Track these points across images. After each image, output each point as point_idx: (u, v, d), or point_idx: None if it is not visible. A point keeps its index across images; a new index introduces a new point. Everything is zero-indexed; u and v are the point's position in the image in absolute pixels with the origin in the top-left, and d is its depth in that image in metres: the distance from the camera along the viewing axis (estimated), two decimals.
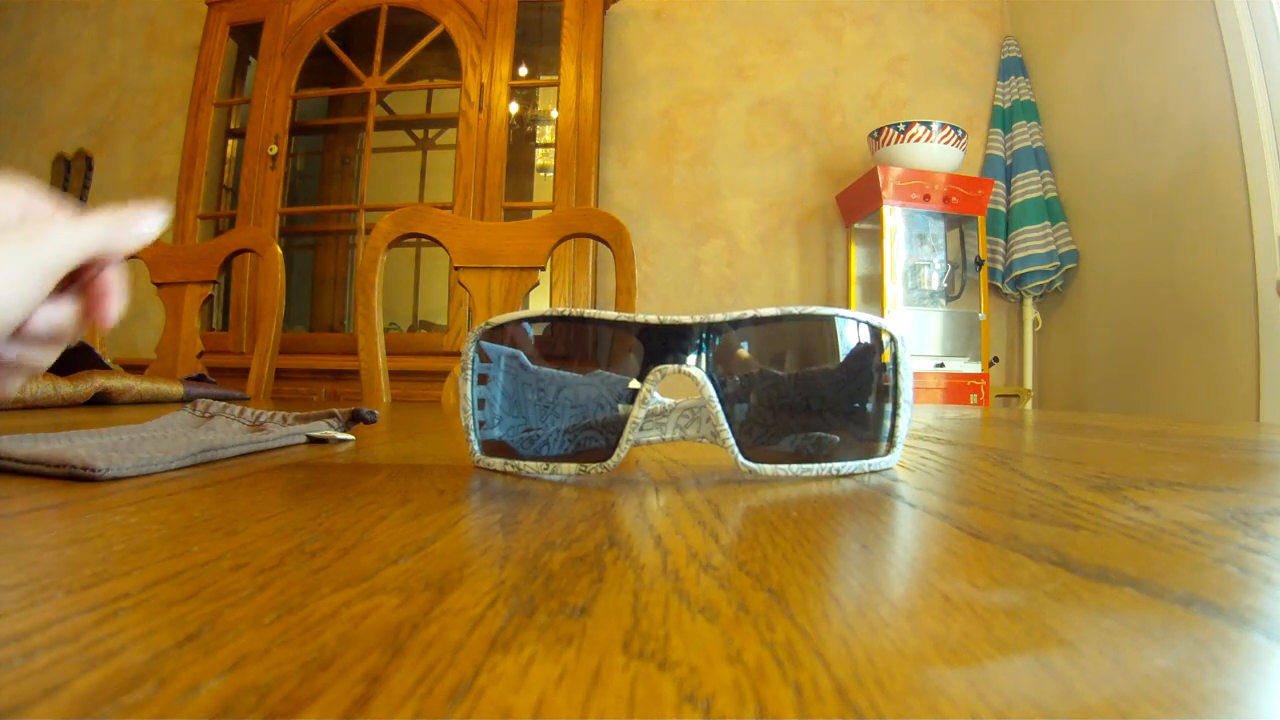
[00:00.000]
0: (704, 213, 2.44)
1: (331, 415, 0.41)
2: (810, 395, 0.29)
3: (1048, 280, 2.18)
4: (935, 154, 2.06)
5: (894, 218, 2.05)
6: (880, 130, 2.12)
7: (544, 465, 0.28)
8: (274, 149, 2.23)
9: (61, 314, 0.26)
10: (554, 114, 2.23)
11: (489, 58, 2.18)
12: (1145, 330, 1.92)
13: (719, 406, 0.27)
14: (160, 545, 0.16)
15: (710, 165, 2.45)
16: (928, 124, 2.05)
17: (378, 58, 2.23)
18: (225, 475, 0.27)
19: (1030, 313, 2.29)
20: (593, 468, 0.28)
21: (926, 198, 2.05)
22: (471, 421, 0.29)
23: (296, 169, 2.54)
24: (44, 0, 2.74)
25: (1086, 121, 2.15)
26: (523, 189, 2.48)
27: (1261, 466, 0.33)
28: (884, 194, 2.03)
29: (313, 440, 0.38)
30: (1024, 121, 2.26)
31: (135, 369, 0.88)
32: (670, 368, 0.27)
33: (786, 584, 0.14)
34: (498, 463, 0.29)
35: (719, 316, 0.27)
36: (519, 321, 0.29)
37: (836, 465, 0.28)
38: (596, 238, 1.06)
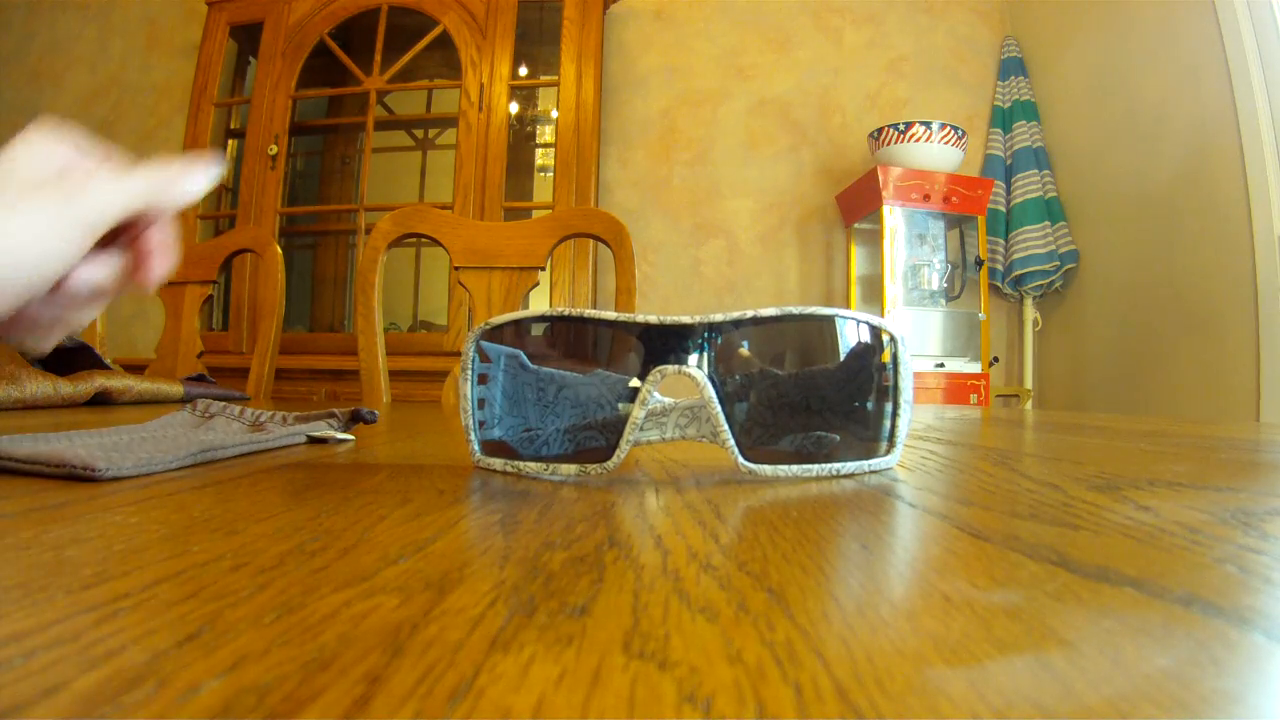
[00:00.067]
0: (704, 213, 2.44)
1: (331, 415, 0.41)
2: (810, 395, 0.29)
3: (1048, 280, 2.18)
4: (935, 154, 2.06)
5: (894, 218, 2.05)
6: (880, 130, 2.12)
7: (544, 465, 0.28)
8: (274, 149, 2.23)
9: (103, 272, 0.25)
10: (554, 114, 2.23)
11: (489, 58, 2.18)
12: (1145, 330, 1.92)
13: (719, 407, 0.27)
14: (160, 545, 0.16)
15: (710, 165, 2.45)
16: (928, 124, 2.05)
17: (378, 58, 2.23)
18: (225, 475, 0.27)
19: (1030, 313, 2.29)
20: (593, 468, 0.28)
21: (926, 198, 2.05)
22: (471, 421, 0.29)
23: (296, 169, 2.54)
24: (44, 0, 2.74)
25: (1086, 121, 2.15)
26: (523, 189, 2.47)
27: (1261, 466, 0.33)
28: (884, 194, 2.03)
29: (313, 440, 0.38)
30: (1024, 121, 2.26)
31: (135, 369, 0.88)
32: (670, 368, 0.27)
33: (786, 584, 0.14)
34: (498, 463, 0.29)
35: (719, 317, 0.27)
36: (519, 321, 0.29)
37: (836, 465, 0.28)
38: (596, 238, 1.06)
